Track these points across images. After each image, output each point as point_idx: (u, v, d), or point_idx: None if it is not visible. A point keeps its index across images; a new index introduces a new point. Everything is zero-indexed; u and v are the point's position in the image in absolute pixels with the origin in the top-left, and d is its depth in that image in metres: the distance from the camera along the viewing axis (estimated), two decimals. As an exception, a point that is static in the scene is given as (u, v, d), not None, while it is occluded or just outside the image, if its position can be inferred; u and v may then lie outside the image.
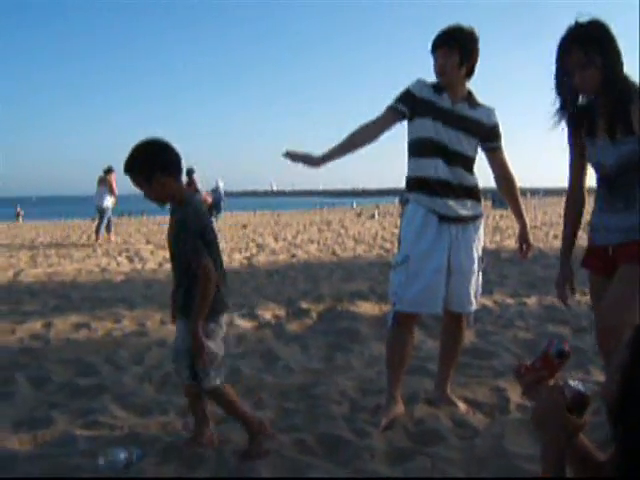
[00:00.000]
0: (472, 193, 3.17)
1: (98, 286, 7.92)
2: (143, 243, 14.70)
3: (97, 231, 14.41)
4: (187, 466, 2.69)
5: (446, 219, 3.07)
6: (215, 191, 18.43)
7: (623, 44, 2.44)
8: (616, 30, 2.42)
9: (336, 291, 6.92)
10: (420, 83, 3.15)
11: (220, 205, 18.42)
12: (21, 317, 5.89)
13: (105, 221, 14.25)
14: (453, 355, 3.39)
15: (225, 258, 10.58)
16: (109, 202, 14.06)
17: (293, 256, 10.95)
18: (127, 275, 9.01)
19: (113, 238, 14.60)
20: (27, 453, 2.86)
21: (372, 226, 19.38)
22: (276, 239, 14.73)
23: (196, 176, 14.18)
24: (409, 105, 3.10)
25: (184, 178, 11.67)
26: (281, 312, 5.94)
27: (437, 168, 3.06)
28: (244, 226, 20.42)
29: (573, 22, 2.41)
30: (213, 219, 14.03)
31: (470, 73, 3.12)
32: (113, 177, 13.92)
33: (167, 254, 10.63)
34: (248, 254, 11.47)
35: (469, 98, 3.14)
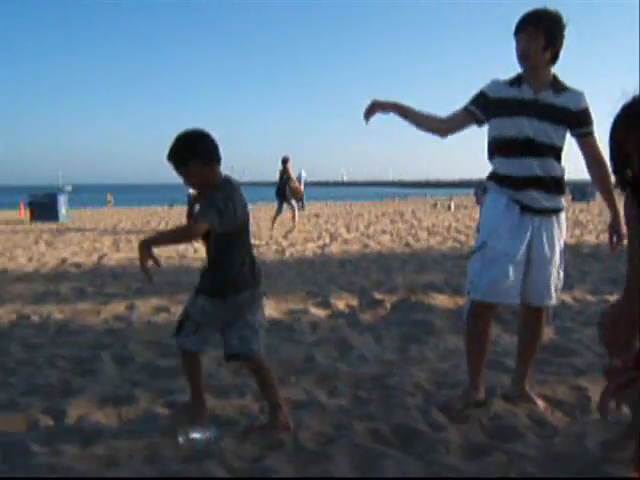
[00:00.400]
0: (557, 185, 3.06)
1: (177, 271, 8.16)
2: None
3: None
4: (264, 449, 2.75)
5: (529, 210, 3.00)
6: (297, 181, 19.03)
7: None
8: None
9: (409, 282, 6.87)
10: (494, 83, 3.09)
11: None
12: (105, 299, 6.17)
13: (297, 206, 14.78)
14: (532, 351, 3.30)
15: (298, 247, 10.72)
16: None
17: (366, 246, 10.94)
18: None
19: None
20: (112, 428, 3.00)
21: (445, 218, 19.08)
22: (348, 229, 14.74)
23: (290, 164, 14.43)
24: (482, 107, 3.07)
25: (279, 166, 11.81)
26: (354, 302, 5.95)
27: (522, 165, 2.98)
28: (316, 215, 20.52)
29: (631, 97, 2.12)
30: (296, 207, 14.42)
31: (554, 59, 3.00)
32: (290, 165, 14.39)
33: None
34: (321, 243, 11.54)
35: (554, 83, 3.01)
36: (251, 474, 2.52)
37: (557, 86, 3.01)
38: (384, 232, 13.76)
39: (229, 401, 3.34)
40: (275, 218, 13.87)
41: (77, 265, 8.96)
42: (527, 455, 2.61)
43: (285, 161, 14.30)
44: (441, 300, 5.89)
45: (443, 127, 3.18)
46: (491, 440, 2.82)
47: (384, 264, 8.62)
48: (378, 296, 6.10)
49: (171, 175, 2.93)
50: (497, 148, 3.07)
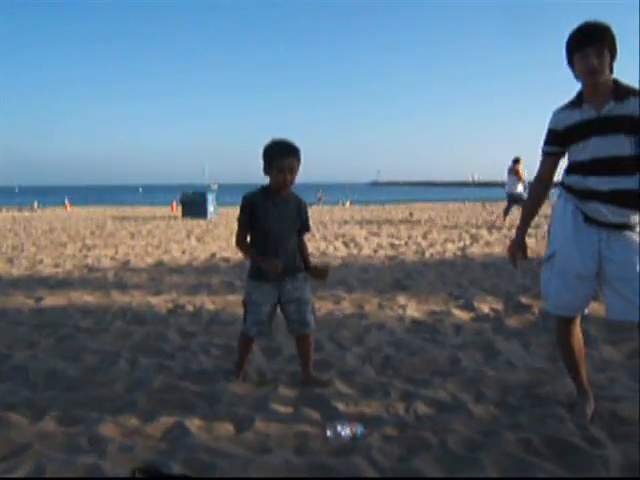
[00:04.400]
0: (627, 199, 2.79)
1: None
2: (357, 229, 15.18)
3: (505, 213, 15.80)
4: (409, 449, 2.73)
5: (596, 222, 2.85)
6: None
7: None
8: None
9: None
10: (556, 115, 2.99)
11: None
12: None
13: (512, 207, 15.56)
14: None
15: (438, 248, 10.54)
16: (519, 189, 15.28)
17: (509, 249, 10.53)
18: (344, 259, 9.36)
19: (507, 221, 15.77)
20: (262, 416, 3.10)
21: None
22: (490, 231, 14.28)
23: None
24: (557, 143, 2.99)
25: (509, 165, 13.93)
26: (499, 306, 5.75)
27: (586, 181, 2.85)
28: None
29: None
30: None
31: (612, 70, 2.84)
32: (520, 166, 15.14)
33: (380, 240, 10.79)
34: (462, 244, 11.27)
35: (616, 92, 2.79)
36: (397, 473, 2.51)
37: (619, 94, 2.79)
38: (528, 235, 13.16)
39: (374, 399, 3.35)
40: None
41: (225, 260, 9.44)
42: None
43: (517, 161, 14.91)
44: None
45: (545, 186, 3.14)
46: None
47: (530, 268, 8.23)
48: (525, 301, 5.85)
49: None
50: (572, 170, 2.96)
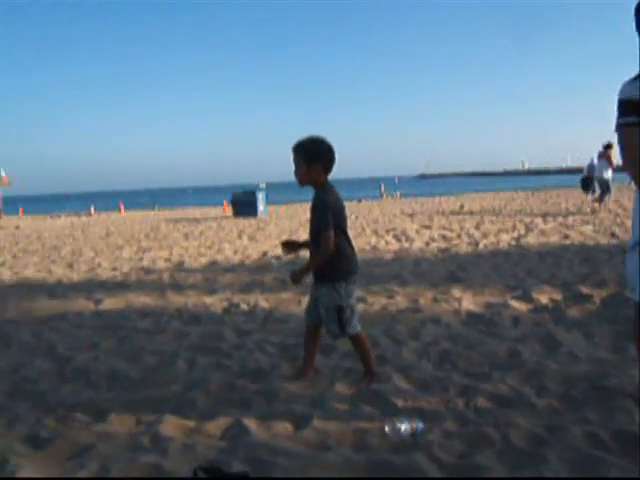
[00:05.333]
0: None
1: (370, 263, 8.28)
2: (408, 222, 15.04)
3: (600, 200, 15.81)
4: (471, 445, 2.67)
5: None
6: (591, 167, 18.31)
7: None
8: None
9: (619, 276, 6.28)
10: (626, 87, 2.70)
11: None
12: (304, 289, 6.34)
13: (609, 192, 15.68)
14: None
15: (492, 238, 10.33)
16: (609, 174, 15.46)
17: (566, 237, 10.24)
18: (396, 253, 9.28)
19: (611, 206, 15.98)
20: (320, 414, 3.09)
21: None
22: (545, 220, 13.93)
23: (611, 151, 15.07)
24: (636, 112, 2.66)
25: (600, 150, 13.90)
26: (558, 296, 5.58)
27: None
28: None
29: None
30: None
31: None
32: (611, 152, 15.18)
33: (432, 233, 10.71)
34: (516, 234, 11.03)
35: None
36: (460, 471, 2.46)
37: None
38: (586, 222, 12.79)
39: (433, 394, 3.29)
40: None
41: (277, 257, 9.48)
42: None
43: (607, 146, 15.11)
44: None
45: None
46: None
47: (589, 256, 8.00)
48: (585, 290, 5.67)
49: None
50: None
